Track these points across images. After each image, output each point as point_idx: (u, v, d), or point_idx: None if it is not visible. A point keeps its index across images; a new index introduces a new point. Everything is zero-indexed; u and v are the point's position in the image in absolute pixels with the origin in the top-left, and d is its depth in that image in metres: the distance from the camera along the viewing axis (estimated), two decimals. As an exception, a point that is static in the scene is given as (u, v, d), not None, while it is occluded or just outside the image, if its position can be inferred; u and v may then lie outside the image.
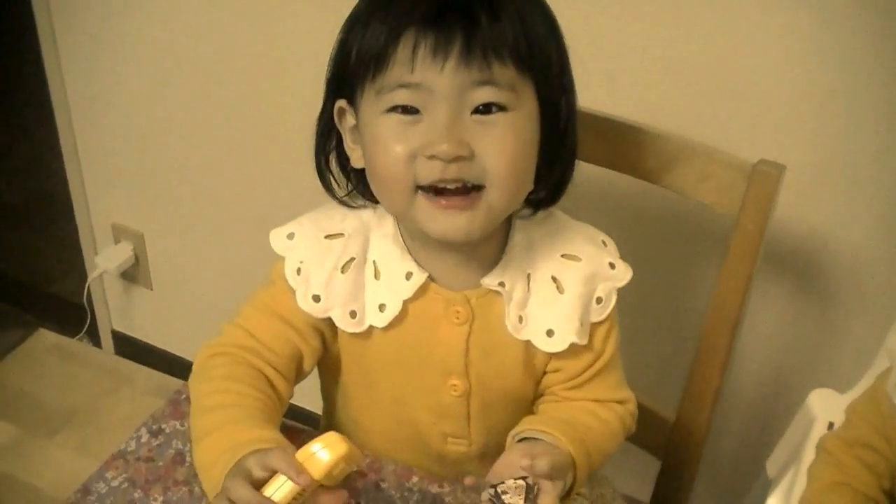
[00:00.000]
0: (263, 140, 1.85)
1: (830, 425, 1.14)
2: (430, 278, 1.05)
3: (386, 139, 0.96)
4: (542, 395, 1.14)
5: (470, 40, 0.90)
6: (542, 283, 1.05)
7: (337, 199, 1.07)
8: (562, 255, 1.06)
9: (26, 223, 2.74)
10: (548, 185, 1.05)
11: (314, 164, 1.07)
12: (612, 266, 1.07)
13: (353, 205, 1.08)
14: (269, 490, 0.87)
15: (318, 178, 1.08)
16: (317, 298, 1.05)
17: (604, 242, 1.09)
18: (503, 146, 0.94)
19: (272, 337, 1.08)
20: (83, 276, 2.33)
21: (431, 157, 0.93)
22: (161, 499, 1.04)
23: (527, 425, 1.03)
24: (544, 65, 0.96)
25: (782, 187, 1.14)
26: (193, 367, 1.09)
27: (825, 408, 1.16)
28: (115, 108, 2.03)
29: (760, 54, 1.33)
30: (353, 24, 0.98)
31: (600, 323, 1.08)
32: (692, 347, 1.26)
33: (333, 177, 1.08)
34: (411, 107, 0.94)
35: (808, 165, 1.35)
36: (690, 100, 1.40)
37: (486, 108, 0.93)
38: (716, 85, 1.38)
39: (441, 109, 0.93)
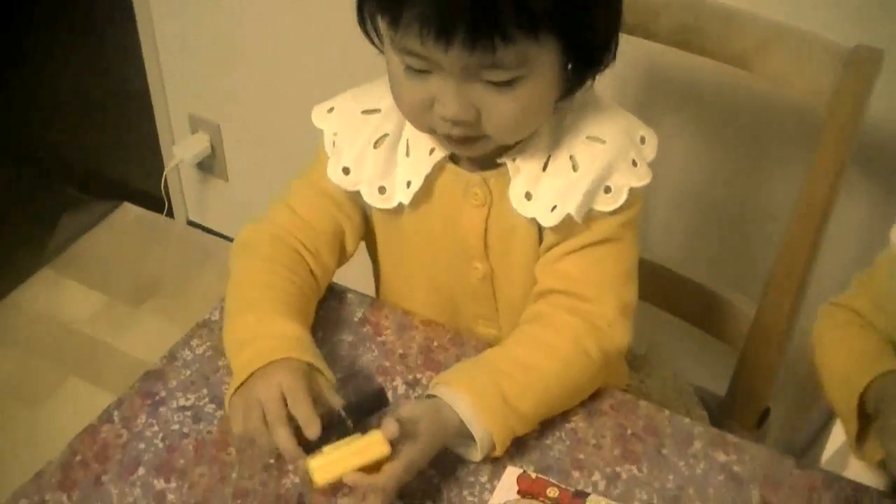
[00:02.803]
0: (341, 30, 1.83)
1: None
2: (454, 159, 1.05)
3: (401, 83, 0.96)
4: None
5: (474, 28, 0.86)
6: (560, 162, 1.02)
7: (374, 43, 1.01)
8: (587, 136, 1.02)
9: (105, 114, 2.77)
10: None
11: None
12: (634, 163, 1.02)
13: None
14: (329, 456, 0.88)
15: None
16: (346, 171, 1.06)
17: (642, 138, 1.03)
18: (509, 115, 0.94)
19: (314, 213, 1.09)
20: (160, 167, 2.36)
21: (440, 116, 0.94)
22: (245, 367, 1.06)
23: (442, 378, 0.98)
24: (569, 17, 0.91)
25: (880, 74, 1.10)
26: (237, 240, 1.11)
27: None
28: (194, -2, 2.02)
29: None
30: None
31: (606, 213, 1.02)
32: (778, 240, 1.24)
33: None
34: (422, 69, 0.93)
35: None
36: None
37: (496, 82, 0.92)
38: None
39: (450, 78, 0.92)
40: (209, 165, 2.30)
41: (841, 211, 1.23)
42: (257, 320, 1.00)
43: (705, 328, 1.35)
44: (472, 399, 0.94)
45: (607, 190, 1.01)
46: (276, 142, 2.12)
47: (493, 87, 0.92)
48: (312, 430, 0.88)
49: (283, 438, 0.89)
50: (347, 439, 0.89)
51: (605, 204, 1.01)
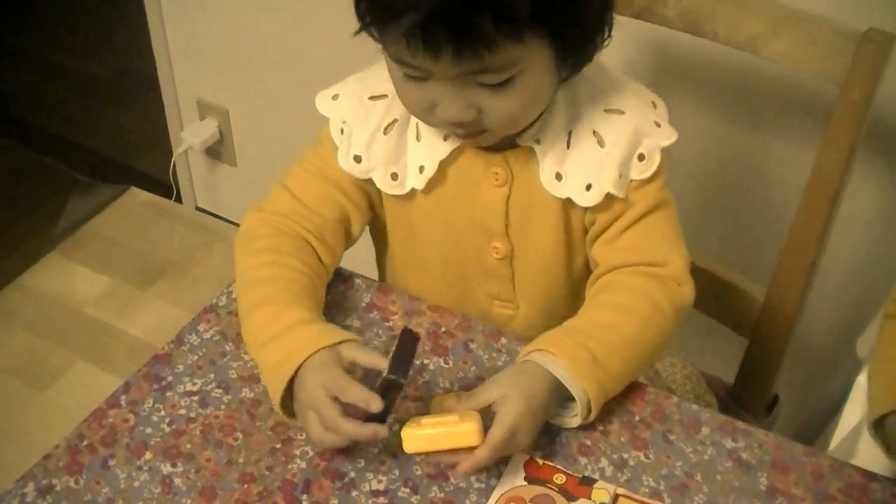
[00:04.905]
0: (350, 16, 1.82)
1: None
2: None
3: (401, 87, 0.97)
4: (593, 270, 1.10)
5: (458, 40, 0.87)
6: (583, 138, 1.03)
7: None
8: (605, 110, 1.03)
9: (113, 99, 2.78)
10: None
11: None
12: (657, 125, 1.03)
13: None
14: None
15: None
16: (358, 159, 1.06)
17: (653, 103, 1.05)
18: (509, 111, 0.95)
19: (319, 200, 1.09)
20: (169, 152, 2.36)
21: (441, 119, 0.96)
22: (252, 352, 1.06)
23: (530, 346, 0.99)
24: (552, 16, 0.91)
25: (892, 57, 1.09)
26: (241, 229, 1.11)
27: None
28: (202, -19, 2.02)
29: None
30: None
31: (642, 181, 1.04)
32: (787, 226, 1.23)
33: None
34: (418, 76, 0.94)
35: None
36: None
37: (491, 84, 0.93)
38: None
39: (446, 83, 0.93)
40: (217, 151, 2.29)
41: (851, 195, 1.23)
42: (273, 314, 1.00)
43: (713, 314, 1.35)
44: (565, 361, 0.95)
45: (641, 157, 1.02)
46: (285, 127, 2.12)
47: (490, 87, 0.93)
48: (375, 404, 0.89)
49: (352, 431, 0.91)
50: (445, 418, 0.91)
51: (641, 171, 1.03)
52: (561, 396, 0.96)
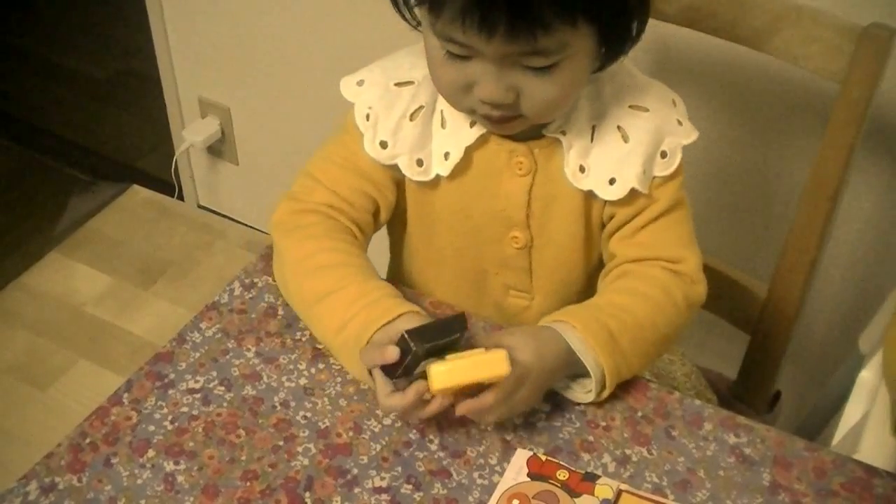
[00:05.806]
0: (352, 13, 1.82)
1: (929, 301, 1.11)
2: None
3: (439, 66, 0.97)
4: (608, 260, 1.12)
5: (515, 19, 0.88)
6: (607, 132, 1.04)
7: (407, 20, 1.01)
8: (629, 106, 1.04)
9: (114, 99, 2.78)
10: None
11: None
12: (679, 123, 1.05)
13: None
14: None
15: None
16: (384, 145, 1.06)
17: (674, 101, 1.07)
18: (548, 97, 0.96)
19: (352, 193, 1.09)
20: (170, 151, 2.36)
21: (480, 98, 0.95)
22: (254, 349, 1.06)
23: (548, 317, 1.02)
24: (605, 3, 0.93)
25: (893, 53, 1.09)
26: (276, 219, 1.10)
27: (924, 283, 1.13)
28: (203, -21, 2.02)
29: None
30: None
31: (664, 178, 1.06)
32: (788, 223, 1.23)
33: None
34: (462, 55, 0.94)
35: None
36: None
37: (535, 67, 0.93)
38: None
39: (490, 64, 0.93)
40: (219, 149, 2.29)
41: (853, 192, 1.23)
42: (359, 293, 1.01)
43: (715, 311, 1.35)
44: (584, 333, 0.97)
45: (663, 154, 1.04)
46: (287, 125, 2.12)
47: (533, 71, 0.93)
48: (390, 354, 0.91)
49: (397, 406, 0.93)
50: (471, 352, 0.91)
51: (663, 168, 1.05)
52: (573, 368, 0.97)
